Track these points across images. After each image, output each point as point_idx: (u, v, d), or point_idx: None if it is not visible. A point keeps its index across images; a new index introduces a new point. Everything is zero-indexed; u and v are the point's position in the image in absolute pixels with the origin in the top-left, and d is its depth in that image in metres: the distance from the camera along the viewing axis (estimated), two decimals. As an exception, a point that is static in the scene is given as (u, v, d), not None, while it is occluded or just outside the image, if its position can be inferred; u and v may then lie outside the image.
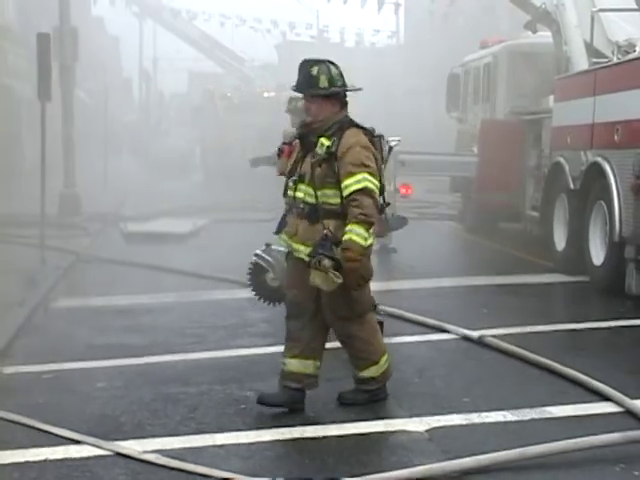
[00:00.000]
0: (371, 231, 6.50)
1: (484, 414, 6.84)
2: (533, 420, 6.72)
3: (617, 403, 6.96)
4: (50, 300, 11.59)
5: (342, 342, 7.06)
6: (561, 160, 13.60)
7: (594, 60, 13.72)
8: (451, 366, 8.56)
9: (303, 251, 6.58)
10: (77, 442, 6.05)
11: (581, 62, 13.94)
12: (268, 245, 7.55)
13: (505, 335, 9.23)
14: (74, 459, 5.91)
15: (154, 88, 62.25)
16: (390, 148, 12.24)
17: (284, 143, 6.99)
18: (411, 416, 6.80)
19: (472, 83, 19.78)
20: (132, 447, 5.98)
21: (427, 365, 8.60)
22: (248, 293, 9.05)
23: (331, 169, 6.47)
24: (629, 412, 6.77)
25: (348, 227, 6.37)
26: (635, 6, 14.18)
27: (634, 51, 13.05)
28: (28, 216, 18.49)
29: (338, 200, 6.51)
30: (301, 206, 6.59)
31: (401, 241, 14.89)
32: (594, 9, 13.96)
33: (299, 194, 6.62)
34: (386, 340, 9.53)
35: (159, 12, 50.42)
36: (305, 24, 51.10)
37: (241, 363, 8.49)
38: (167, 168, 41.18)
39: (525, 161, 15.99)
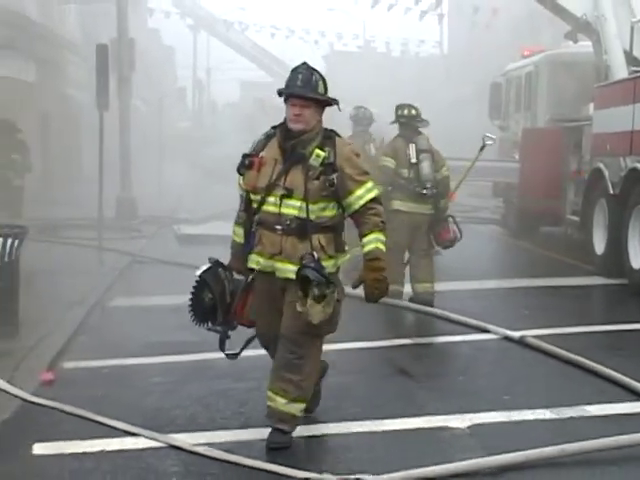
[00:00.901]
0: None
1: (524, 412, 6.82)
2: (572, 418, 6.69)
3: (655, 403, 6.93)
4: (107, 299, 11.69)
5: (287, 362, 5.95)
6: (601, 166, 13.52)
7: (633, 69, 13.69)
8: (493, 365, 8.56)
9: (291, 270, 5.84)
10: (133, 434, 6.10)
11: (621, 71, 13.88)
12: (214, 261, 6.31)
13: (545, 335, 9.19)
14: (129, 450, 5.98)
15: (207, 97, 62.56)
16: (483, 146, 12.40)
17: (246, 155, 6.16)
18: (453, 413, 6.78)
19: (514, 92, 19.75)
20: (184, 440, 6.03)
21: (470, 364, 8.61)
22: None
23: (328, 181, 5.86)
24: (666, 411, 6.75)
25: (372, 236, 5.92)
26: None
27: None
28: (87, 219, 18.75)
29: (333, 212, 6.00)
30: (288, 222, 5.87)
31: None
32: (634, 19, 13.91)
33: (287, 210, 5.89)
34: (431, 340, 9.60)
35: (213, 24, 50.78)
36: (352, 35, 51.03)
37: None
38: (219, 173, 41.35)
39: (565, 167, 15.88)
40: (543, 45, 19.58)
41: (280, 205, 5.90)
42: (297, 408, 5.95)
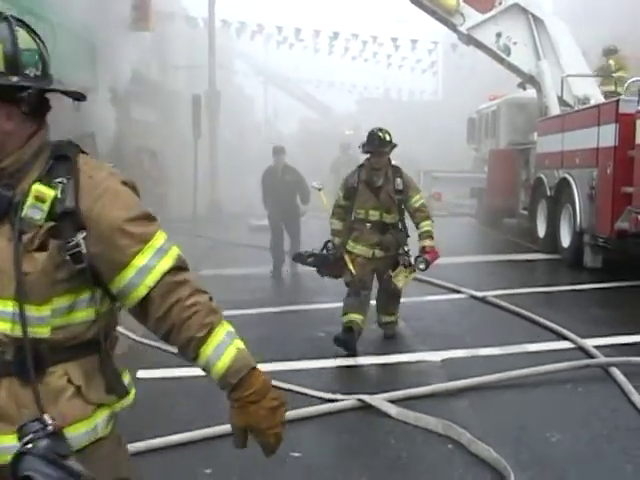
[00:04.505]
0: None
1: (481, 349, 6.69)
2: (515, 354, 6.54)
3: (572, 341, 6.77)
4: (197, 270, 11.65)
5: None
6: (542, 176, 13.31)
7: (563, 108, 13.57)
8: (462, 316, 8.41)
9: (7, 447, 1.71)
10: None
11: (555, 110, 13.74)
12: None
13: (501, 295, 9.01)
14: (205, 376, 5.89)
15: (275, 129, 62.62)
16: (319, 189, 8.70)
17: None
18: (430, 350, 6.67)
19: (484, 124, 19.60)
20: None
21: (445, 315, 8.46)
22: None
23: (67, 249, 1.77)
24: (580, 348, 6.59)
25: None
26: (590, 72, 14.25)
27: (588, 102, 13.01)
28: (186, 215, 18.85)
29: (94, 309, 1.91)
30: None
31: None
32: (563, 75, 13.87)
33: None
34: (418, 299, 9.30)
35: (276, 79, 51.29)
36: (375, 86, 50.99)
37: (318, 313, 8.44)
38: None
39: (518, 177, 15.70)
40: (503, 92, 19.33)
41: None
42: None
